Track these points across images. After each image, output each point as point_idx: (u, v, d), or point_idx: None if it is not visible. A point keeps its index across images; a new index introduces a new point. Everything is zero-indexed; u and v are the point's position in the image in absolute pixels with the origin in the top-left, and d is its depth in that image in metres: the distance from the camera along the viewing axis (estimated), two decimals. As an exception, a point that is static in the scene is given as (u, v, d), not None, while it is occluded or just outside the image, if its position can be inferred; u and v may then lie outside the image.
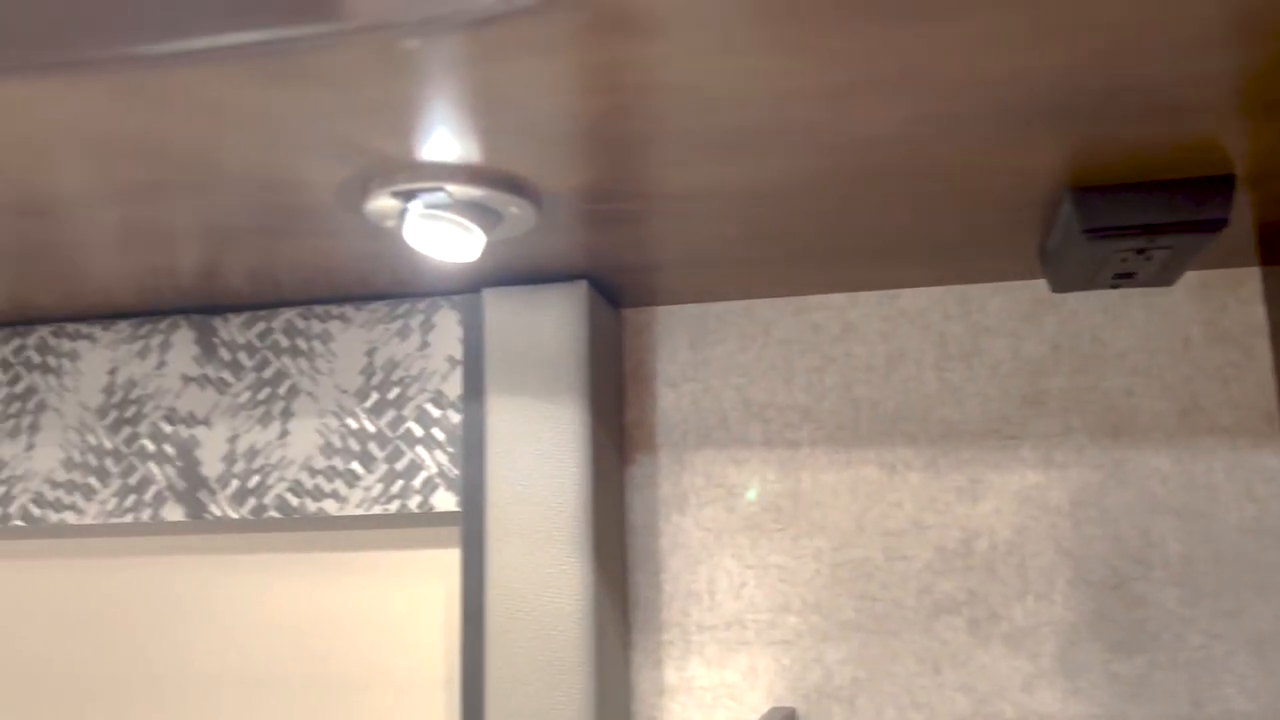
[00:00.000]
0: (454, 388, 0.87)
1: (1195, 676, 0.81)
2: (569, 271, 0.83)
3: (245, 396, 0.90)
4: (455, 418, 0.86)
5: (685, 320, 0.93)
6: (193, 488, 0.90)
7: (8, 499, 0.93)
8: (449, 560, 0.90)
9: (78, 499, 0.92)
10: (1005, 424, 0.87)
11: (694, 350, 0.92)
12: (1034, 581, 0.84)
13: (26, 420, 0.94)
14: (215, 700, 0.92)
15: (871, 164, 0.62)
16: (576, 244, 0.76)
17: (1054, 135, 0.58)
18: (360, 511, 0.87)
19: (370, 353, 0.89)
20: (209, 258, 0.78)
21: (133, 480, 0.91)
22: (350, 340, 0.89)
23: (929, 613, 0.85)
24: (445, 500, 0.85)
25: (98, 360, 0.94)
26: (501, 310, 0.85)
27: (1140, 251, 0.68)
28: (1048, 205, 0.69)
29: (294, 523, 0.93)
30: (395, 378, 0.88)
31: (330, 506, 0.87)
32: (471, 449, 0.85)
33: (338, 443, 0.88)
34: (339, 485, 0.87)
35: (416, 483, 0.86)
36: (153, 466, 0.91)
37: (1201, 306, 0.85)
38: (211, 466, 0.90)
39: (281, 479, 0.88)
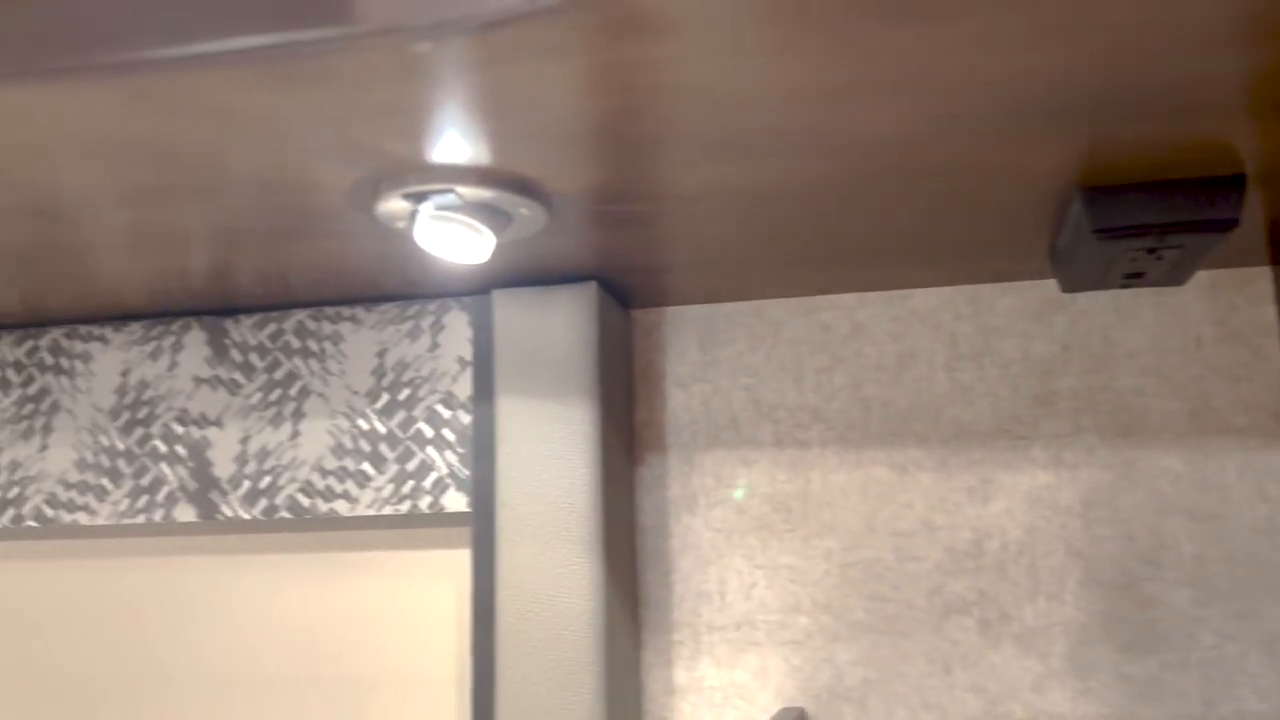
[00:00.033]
0: (464, 389, 0.87)
1: (1207, 677, 0.81)
2: (579, 272, 0.83)
3: (257, 398, 0.91)
4: (465, 418, 0.86)
5: (695, 321, 0.93)
6: (204, 489, 0.90)
7: (21, 500, 0.93)
8: (459, 560, 0.91)
9: (90, 500, 0.92)
10: (1016, 424, 0.86)
11: (703, 351, 0.92)
12: (1045, 582, 0.84)
13: (40, 421, 0.95)
14: (226, 700, 0.93)
15: (880, 165, 0.62)
16: (586, 245, 0.76)
17: (1066, 135, 0.58)
18: (371, 512, 0.87)
19: (381, 354, 0.89)
20: (220, 260, 0.78)
21: (145, 481, 0.92)
22: (361, 341, 0.89)
23: (940, 613, 0.85)
24: (456, 501, 0.86)
25: (110, 362, 0.94)
26: (511, 311, 0.85)
27: (1151, 251, 0.68)
28: (1058, 205, 0.69)
29: (305, 523, 0.93)
30: (406, 379, 0.88)
31: (341, 507, 0.88)
32: (482, 450, 0.85)
33: (349, 444, 0.88)
34: (350, 486, 0.88)
35: (427, 483, 0.86)
36: (165, 467, 0.91)
37: (1212, 306, 0.85)
38: (223, 467, 0.90)
39: (293, 480, 0.89)
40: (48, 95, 0.51)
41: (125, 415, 0.93)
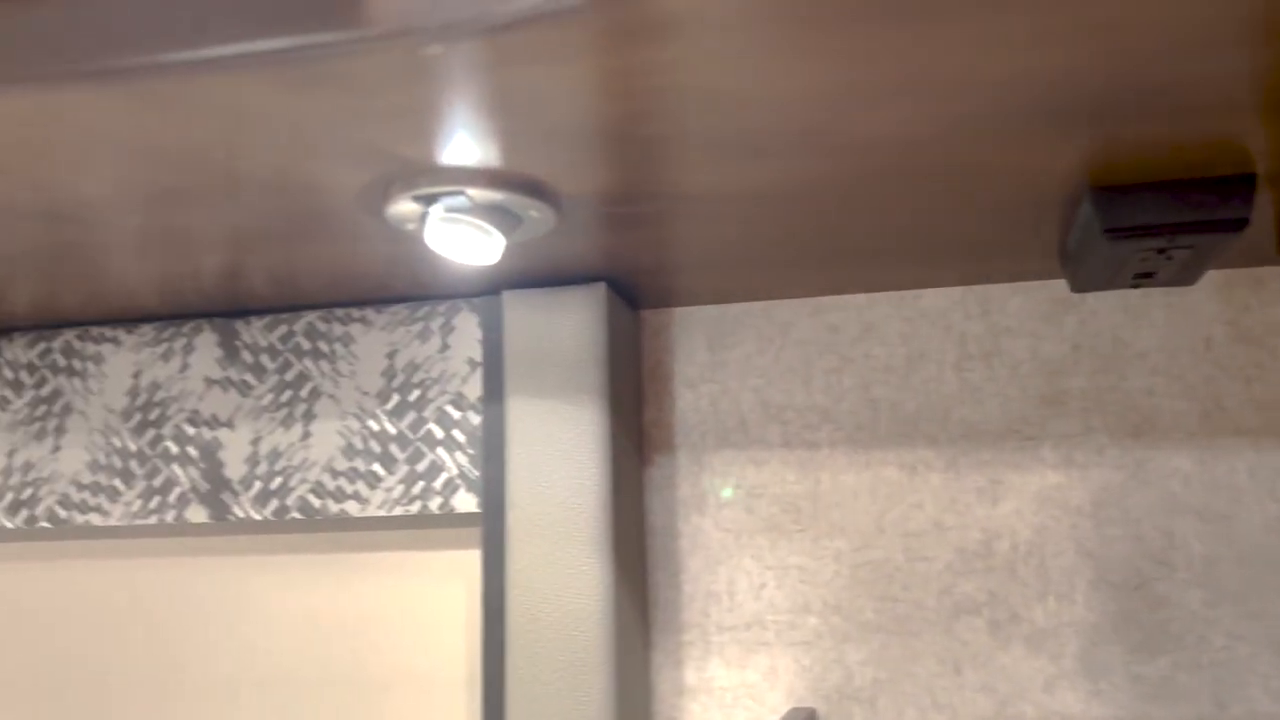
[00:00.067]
0: (474, 389, 0.87)
1: (1219, 678, 0.80)
2: (588, 273, 0.83)
3: (268, 399, 0.91)
4: (475, 419, 0.87)
5: (703, 321, 0.93)
6: (216, 489, 0.91)
7: (34, 501, 0.94)
8: (470, 561, 0.91)
9: (103, 500, 0.93)
10: (1025, 424, 0.86)
11: (712, 351, 0.93)
12: (1055, 582, 0.84)
13: (52, 423, 0.95)
14: (237, 700, 0.93)
15: (890, 165, 0.62)
16: (595, 246, 0.77)
17: (1069, 136, 0.58)
18: (382, 513, 0.87)
19: (391, 355, 0.89)
20: (232, 262, 0.79)
21: (157, 482, 0.92)
22: (371, 343, 0.90)
23: (950, 614, 0.85)
24: (466, 501, 0.86)
25: (122, 363, 0.94)
26: (521, 312, 0.85)
27: (1161, 251, 0.68)
28: (1067, 205, 0.69)
29: (316, 524, 0.93)
30: (416, 380, 0.88)
31: (352, 508, 0.88)
32: (492, 450, 0.85)
33: (359, 444, 0.89)
34: (360, 487, 0.88)
35: (437, 484, 0.87)
36: (176, 468, 0.92)
37: (1223, 306, 0.85)
38: (234, 468, 0.91)
39: (304, 481, 0.89)
40: (63, 99, 0.52)
41: (137, 416, 0.93)
